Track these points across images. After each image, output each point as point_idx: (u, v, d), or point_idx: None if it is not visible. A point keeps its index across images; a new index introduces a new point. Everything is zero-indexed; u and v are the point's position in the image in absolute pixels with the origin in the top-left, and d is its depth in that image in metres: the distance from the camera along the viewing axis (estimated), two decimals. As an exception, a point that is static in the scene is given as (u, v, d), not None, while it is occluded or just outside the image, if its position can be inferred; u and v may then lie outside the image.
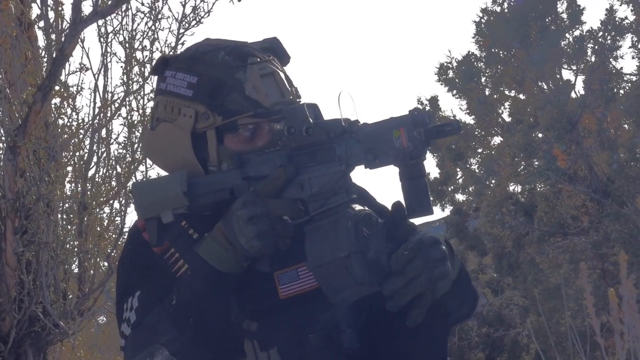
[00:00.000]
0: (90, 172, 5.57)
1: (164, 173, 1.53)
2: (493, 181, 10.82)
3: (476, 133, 11.25)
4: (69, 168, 5.51)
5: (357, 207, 1.34)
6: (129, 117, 5.44)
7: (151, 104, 4.91)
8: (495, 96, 10.92)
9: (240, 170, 1.42)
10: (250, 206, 1.35)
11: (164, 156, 1.50)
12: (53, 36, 4.86)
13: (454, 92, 11.20)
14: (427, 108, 12.60)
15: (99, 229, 5.26)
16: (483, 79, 10.93)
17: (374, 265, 1.30)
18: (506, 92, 10.96)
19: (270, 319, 1.43)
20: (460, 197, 12.36)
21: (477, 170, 11.30)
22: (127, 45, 5.38)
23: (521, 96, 10.94)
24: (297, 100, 1.51)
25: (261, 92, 1.44)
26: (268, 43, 1.54)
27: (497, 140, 11.46)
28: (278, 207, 1.35)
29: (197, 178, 1.45)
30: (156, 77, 1.52)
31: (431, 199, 1.32)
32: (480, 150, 11.47)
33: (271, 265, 1.42)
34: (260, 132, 1.46)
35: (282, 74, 1.50)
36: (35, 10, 5.02)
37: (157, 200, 1.42)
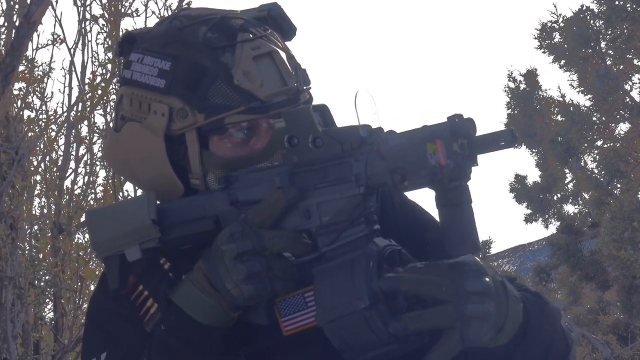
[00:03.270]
0: (67, 182, 5.62)
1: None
2: (618, 186, 10.68)
3: (594, 119, 11.13)
4: (38, 177, 5.58)
5: (381, 241, 1.38)
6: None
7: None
8: (620, 67, 10.79)
9: (227, 193, 1.46)
10: (239, 240, 1.38)
11: (130, 166, 1.54)
12: (15, -3, 4.92)
13: (562, 62, 11.10)
14: (522, 86, 12.53)
15: (79, 257, 5.30)
16: (603, 44, 10.81)
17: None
18: (636, 62, 10.81)
19: None
20: (570, 208, 12.23)
21: (595, 171, 11.18)
22: (112, 8, 5.42)
23: (657, 67, 10.77)
24: (305, 88, 1.55)
25: (255, 79, 1.48)
26: (265, 10, 1.56)
27: (623, 128, 11.32)
28: (276, 241, 1.39)
29: (170, 202, 1.49)
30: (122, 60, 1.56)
31: (479, 234, 1.33)
32: (599, 143, 11.34)
33: (270, 317, 1.46)
34: (258, 132, 1.51)
35: (283, 54, 1.52)
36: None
37: (119, 233, 1.46)
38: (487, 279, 1.31)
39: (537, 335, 1.42)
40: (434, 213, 1.60)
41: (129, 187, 5.64)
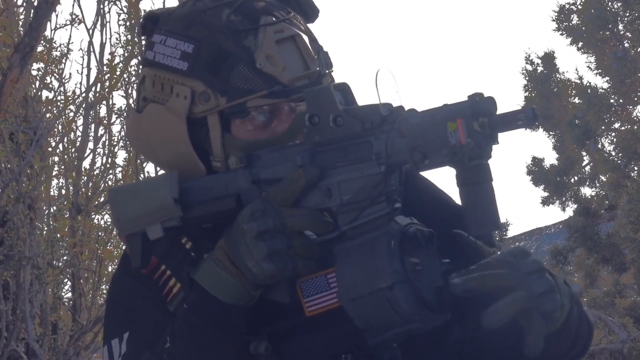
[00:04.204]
0: (85, 163, 5.63)
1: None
2: (636, 168, 10.63)
3: (611, 101, 11.07)
4: (56, 158, 5.58)
5: (402, 220, 1.38)
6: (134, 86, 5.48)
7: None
8: (638, 49, 10.73)
9: (249, 171, 1.46)
10: (260, 218, 1.38)
11: (152, 147, 1.55)
12: (33, -22, 4.91)
13: (579, 44, 11.04)
14: (540, 68, 12.47)
15: (98, 238, 5.31)
16: (621, 26, 10.75)
17: (425, 295, 1.35)
18: (654, 44, 10.74)
19: (291, 341, 1.49)
20: (587, 191, 12.17)
21: (612, 153, 11.13)
22: (131, -12, 5.40)
23: (675, 48, 10.71)
24: (327, 71, 1.55)
25: (277, 63, 1.48)
26: None
27: (640, 110, 11.26)
28: (297, 219, 1.39)
29: (192, 181, 1.49)
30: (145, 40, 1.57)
31: (497, 210, 1.32)
32: (617, 126, 11.29)
33: (292, 295, 1.46)
34: (279, 115, 1.51)
35: (305, 37, 1.52)
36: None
37: (141, 211, 1.46)
38: (534, 258, 1.32)
39: (574, 318, 1.41)
40: (450, 192, 1.62)
41: (150, 168, 5.65)
